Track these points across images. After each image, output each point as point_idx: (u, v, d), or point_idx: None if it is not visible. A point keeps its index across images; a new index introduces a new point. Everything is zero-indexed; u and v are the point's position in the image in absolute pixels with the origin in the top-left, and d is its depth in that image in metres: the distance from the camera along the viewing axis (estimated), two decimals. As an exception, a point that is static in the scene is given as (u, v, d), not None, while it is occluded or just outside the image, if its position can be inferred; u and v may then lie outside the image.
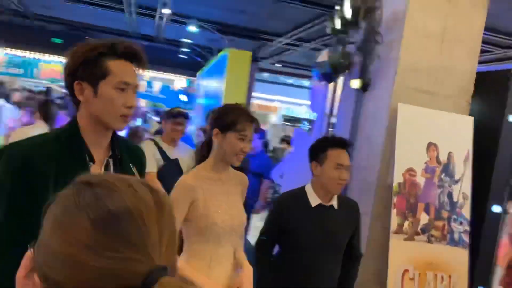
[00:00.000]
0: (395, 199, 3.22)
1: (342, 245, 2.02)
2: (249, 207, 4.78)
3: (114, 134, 1.37)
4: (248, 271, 1.63)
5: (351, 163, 3.66)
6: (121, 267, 0.50)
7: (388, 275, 3.17)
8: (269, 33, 8.10)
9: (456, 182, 3.45)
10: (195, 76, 12.18)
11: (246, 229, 1.99)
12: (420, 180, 3.31)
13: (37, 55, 13.57)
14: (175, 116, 3.52)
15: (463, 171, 3.46)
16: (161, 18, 8.04)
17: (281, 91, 15.17)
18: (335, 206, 2.00)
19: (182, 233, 1.63)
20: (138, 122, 5.40)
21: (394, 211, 3.23)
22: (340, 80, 4.10)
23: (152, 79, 13.68)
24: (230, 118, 1.66)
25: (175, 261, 0.57)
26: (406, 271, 3.23)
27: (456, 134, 3.48)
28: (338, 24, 3.37)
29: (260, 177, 4.69)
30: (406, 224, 3.27)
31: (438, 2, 3.40)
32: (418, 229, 3.29)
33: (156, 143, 3.24)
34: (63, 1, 8.17)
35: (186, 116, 3.65)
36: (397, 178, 3.25)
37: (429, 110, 3.40)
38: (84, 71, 1.24)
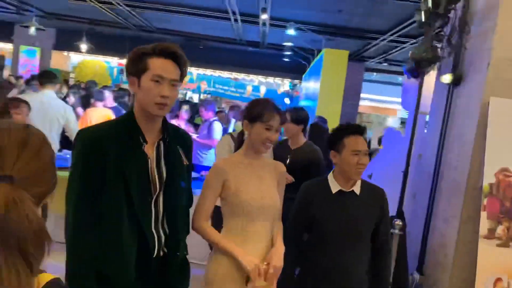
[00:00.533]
0: (485, 201, 2.99)
1: (363, 232, 1.98)
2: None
3: (165, 121, 1.64)
4: (279, 248, 1.74)
5: (443, 164, 3.49)
6: None
7: (476, 284, 2.95)
8: (371, 31, 7.89)
9: None
10: (300, 78, 12.37)
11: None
12: (518, 181, 3.01)
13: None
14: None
15: None
16: (264, 24, 8.40)
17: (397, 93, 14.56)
18: (357, 192, 1.99)
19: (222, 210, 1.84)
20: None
21: (484, 214, 2.99)
22: (433, 75, 3.92)
23: (260, 84, 14.27)
24: (257, 110, 1.83)
25: (30, 177, 0.78)
26: (498, 280, 2.96)
27: None
28: (423, 16, 3.24)
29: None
30: (499, 229, 3.00)
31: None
32: (515, 236, 3.00)
33: (232, 137, 3.39)
34: (178, 14, 9.05)
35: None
36: (488, 178, 3.00)
37: (530, 104, 3.07)
38: (132, 67, 1.54)
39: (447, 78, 3.49)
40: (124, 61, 14.08)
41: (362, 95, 13.34)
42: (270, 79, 14.02)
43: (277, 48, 10.99)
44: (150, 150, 1.56)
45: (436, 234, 3.53)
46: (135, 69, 1.53)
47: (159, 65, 1.51)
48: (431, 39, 3.26)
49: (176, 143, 1.66)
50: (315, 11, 7.11)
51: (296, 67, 11.86)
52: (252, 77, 14.12)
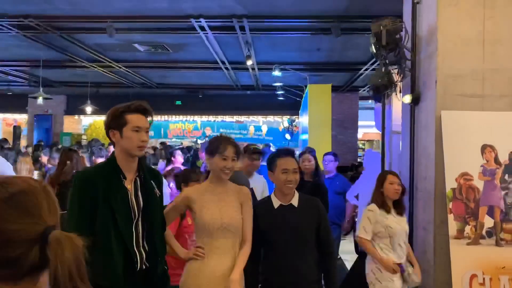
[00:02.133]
0: (450, 205, 3.27)
1: (306, 239, 2.26)
2: (335, 225, 5.06)
3: (140, 162, 2.06)
4: (236, 274, 2.08)
5: (415, 176, 3.78)
6: (27, 228, 0.84)
7: (453, 281, 3.18)
8: (353, 63, 8.40)
9: (523, 181, 3.34)
10: (298, 114, 12.85)
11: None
12: (478, 183, 3.30)
13: (164, 118, 15.86)
14: (251, 153, 4.13)
15: (530, 169, 3.33)
16: (253, 69, 8.99)
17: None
18: (295, 204, 2.29)
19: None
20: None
21: (451, 217, 3.27)
22: (396, 97, 4.29)
23: (259, 122, 14.80)
24: (214, 145, 2.22)
25: (58, 223, 0.93)
26: (474, 276, 3.19)
27: (517, 133, 3.39)
28: (373, 48, 3.67)
29: (344, 196, 4.99)
30: (467, 228, 3.26)
31: (471, 9, 3.48)
32: (483, 233, 3.25)
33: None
34: (174, 70, 9.72)
35: (260, 153, 4.23)
36: (450, 184, 3.30)
37: (479, 113, 3.41)
38: (114, 123, 1.98)
39: (407, 98, 3.87)
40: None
41: (367, 122, 13.67)
42: (270, 118, 14.56)
43: (271, 89, 11.58)
44: (129, 185, 1.99)
45: (419, 242, 3.77)
46: (116, 124, 1.98)
47: (136, 119, 1.97)
48: (383, 67, 3.67)
49: (150, 178, 2.08)
50: (295, 52, 7.67)
51: (292, 104, 12.39)
52: (252, 118, 14.69)
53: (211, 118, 15.32)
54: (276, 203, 2.30)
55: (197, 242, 2.19)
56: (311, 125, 6.96)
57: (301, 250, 2.23)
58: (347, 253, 5.62)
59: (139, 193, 2.00)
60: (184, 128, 15.49)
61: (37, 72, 9.93)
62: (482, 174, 3.32)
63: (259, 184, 4.04)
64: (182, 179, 3.02)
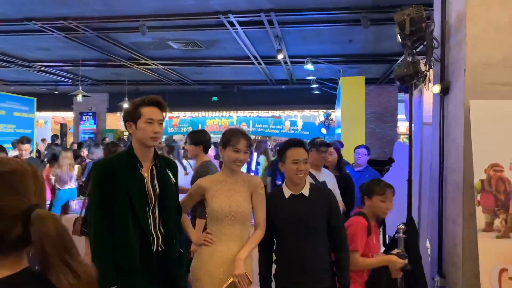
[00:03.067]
0: (478, 197, 3.16)
1: (316, 228, 2.27)
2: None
3: (156, 152, 2.17)
4: (240, 256, 2.16)
5: (445, 168, 3.69)
6: (12, 204, 0.90)
7: (481, 276, 3.08)
8: (386, 55, 8.20)
9: (559, 174, 3.17)
10: (334, 108, 12.72)
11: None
12: (509, 175, 3.17)
13: (201, 114, 16.16)
14: (319, 146, 3.99)
15: None
16: (285, 63, 8.98)
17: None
18: (306, 194, 2.31)
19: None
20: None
21: (479, 209, 3.16)
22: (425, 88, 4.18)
23: (295, 117, 14.77)
24: (226, 137, 2.30)
25: (44, 204, 0.99)
26: (503, 270, 3.07)
27: (553, 122, 3.23)
28: (398, 38, 3.61)
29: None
30: (497, 221, 3.14)
31: (502, -8, 3.34)
32: (514, 226, 3.13)
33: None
34: (208, 66, 9.89)
35: (328, 145, 4.06)
36: (479, 175, 3.19)
37: (509, 101, 3.27)
38: (129, 116, 2.12)
39: (436, 88, 3.77)
40: (168, 114, 15.22)
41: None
42: (306, 112, 14.48)
43: (305, 83, 11.51)
44: (145, 173, 2.13)
45: (448, 235, 3.68)
46: (132, 117, 2.13)
47: (149, 112, 2.10)
48: (409, 56, 3.59)
49: (165, 167, 2.21)
50: (327, 44, 7.59)
51: (328, 98, 12.27)
52: (287, 112, 14.68)
53: (247, 113, 15.44)
54: (287, 193, 2.34)
55: (208, 229, 2.27)
56: (344, 118, 6.87)
57: (311, 239, 2.26)
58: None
59: (156, 181, 2.13)
60: (220, 124, 15.71)
61: (78, 71, 10.42)
62: (513, 165, 3.19)
63: (329, 179, 3.93)
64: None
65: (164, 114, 2.16)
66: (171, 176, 2.21)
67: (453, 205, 3.63)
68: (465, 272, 3.35)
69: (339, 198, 3.67)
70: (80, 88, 9.39)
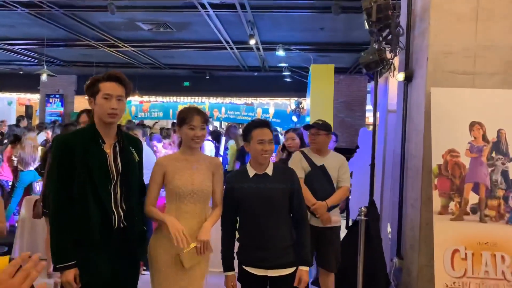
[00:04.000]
0: (435, 181, 3.29)
1: (279, 205, 2.33)
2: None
3: (119, 129, 2.15)
4: (206, 225, 2.21)
5: (406, 153, 3.80)
6: None
7: (435, 256, 3.22)
8: (358, 44, 8.31)
9: None
10: (305, 96, 12.81)
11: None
12: (465, 160, 3.30)
13: (173, 99, 15.96)
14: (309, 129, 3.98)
15: (519, 147, 3.32)
16: (258, 49, 8.96)
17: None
18: (270, 173, 2.36)
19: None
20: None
21: (436, 193, 3.29)
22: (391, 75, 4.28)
23: (268, 104, 14.81)
24: (181, 115, 2.31)
25: None
26: (456, 251, 3.22)
27: (508, 110, 3.37)
28: (366, 25, 3.66)
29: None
30: (451, 204, 3.28)
31: (465, -16, 3.44)
32: (467, 209, 3.27)
33: (303, 153, 3.72)
34: (179, 49, 9.76)
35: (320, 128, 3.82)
36: (436, 160, 3.31)
37: (468, 90, 3.39)
38: (89, 91, 2.09)
39: (400, 76, 3.87)
40: (139, 99, 14.82)
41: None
42: (278, 100, 14.54)
43: (278, 70, 11.53)
44: (108, 149, 2.10)
45: (407, 219, 3.82)
46: (91, 92, 2.09)
47: (107, 87, 2.06)
48: (375, 43, 3.66)
49: (129, 144, 2.19)
50: (299, 32, 7.63)
51: (299, 86, 12.34)
52: (260, 100, 14.70)
53: (219, 100, 15.36)
54: (251, 172, 2.37)
55: (167, 207, 2.27)
56: (313, 106, 6.95)
57: (274, 216, 2.31)
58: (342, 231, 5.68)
59: (118, 158, 2.11)
60: (191, 109, 15.53)
61: (43, 51, 10.08)
62: (469, 151, 3.32)
63: (334, 161, 3.78)
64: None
65: (124, 90, 2.11)
66: (134, 153, 2.19)
67: (412, 189, 3.76)
68: (421, 253, 3.50)
69: (344, 180, 3.65)
70: (46, 67, 9.07)
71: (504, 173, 3.28)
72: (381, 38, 3.69)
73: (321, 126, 3.77)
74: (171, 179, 2.25)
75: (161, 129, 10.30)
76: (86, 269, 2.01)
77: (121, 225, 2.09)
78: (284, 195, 2.34)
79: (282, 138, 13.13)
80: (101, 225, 2.03)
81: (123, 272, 2.12)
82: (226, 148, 6.27)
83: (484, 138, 3.34)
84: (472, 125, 3.36)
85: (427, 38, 3.50)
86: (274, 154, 5.56)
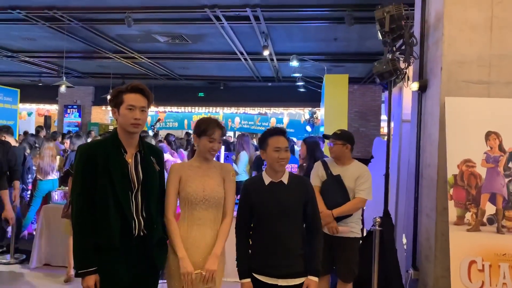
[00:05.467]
0: (451, 191, 3.26)
1: (293, 214, 2.33)
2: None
3: (141, 139, 2.23)
4: (215, 251, 2.24)
5: (421, 163, 3.77)
6: None
7: (451, 267, 3.17)
8: (371, 54, 8.31)
9: (529, 169, 3.29)
10: (319, 106, 12.83)
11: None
12: (481, 170, 3.27)
13: (188, 109, 16.13)
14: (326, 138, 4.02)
15: (537, 157, 3.28)
16: (271, 60, 9.03)
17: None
18: (285, 182, 2.36)
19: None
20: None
21: (451, 203, 3.26)
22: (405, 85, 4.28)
23: (282, 114, 14.86)
24: (202, 127, 2.34)
25: None
26: (472, 262, 3.17)
27: (524, 120, 3.33)
28: (379, 35, 3.68)
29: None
30: (468, 215, 3.24)
31: (479, -7, 3.43)
32: (484, 220, 3.23)
33: (324, 162, 3.76)
34: (194, 61, 9.90)
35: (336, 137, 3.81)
36: (452, 170, 3.29)
37: (483, 99, 3.37)
38: (113, 102, 2.17)
39: (414, 85, 3.86)
40: (155, 109, 14.99)
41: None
42: (292, 110, 14.57)
43: (291, 80, 11.58)
44: (129, 159, 2.17)
45: (422, 229, 3.78)
46: (114, 103, 2.17)
47: (130, 98, 2.14)
48: (389, 53, 3.67)
49: (150, 154, 2.26)
50: (313, 42, 7.67)
51: (313, 96, 12.36)
52: (274, 110, 14.75)
53: (234, 110, 15.47)
54: (267, 180, 2.39)
55: (181, 214, 2.30)
56: (327, 116, 6.95)
57: (288, 224, 2.32)
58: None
59: (139, 167, 2.17)
60: (206, 119, 15.66)
61: (62, 63, 10.33)
62: (485, 161, 3.28)
63: (354, 172, 3.72)
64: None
65: (147, 101, 2.18)
66: (155, 163, 2.25)
67: (427, 199, 3.73)
68: (436, 264, 3.45)
69: (361, 191, 3.56)
70: (64, 79, 9.29)
71: (522, 184, 3.24)
72: (394, 48, 3.70)
73: (337, 136, 3.79)
74: (183, 186, 2.29)
75: (177, 138, 10.38)
76: (106, 276, 2.06)
77: (141, 233, 2.13)
78: (299, 204, 2.35)
79: (296, 148, 13.14)
80: (121, 232, 2.08)
81: (142, 279, 2.17)
82: (227, 156, 6.24)
83: (501, 148, 3.31)
84: (488, 134, 3.34)
85: (441, 48, 3.50)
86: (294, 165, 5.57)
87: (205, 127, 2.33)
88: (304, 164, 4.49)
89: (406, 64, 3.67)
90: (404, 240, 4.39)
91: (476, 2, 3.43)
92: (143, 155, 2.20)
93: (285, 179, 2.37)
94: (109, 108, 16.66)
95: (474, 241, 3.19)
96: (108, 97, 2.21)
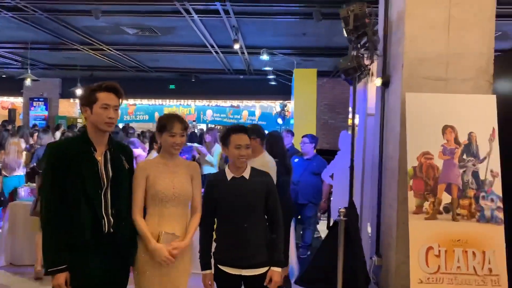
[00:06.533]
0: (411, 182, 3.45)
1: (254, 207, 2.45)
2: (312, 204, 5.25)
3: (110, 137, 2.25)
4: (185, 241, 2.32)
5: (384, 156, 3.94)
6: None
7: (410, 253, 3.37)
8: (340, 48, 8.48)
9: (482, 160, 3.50)
10: (290, 99, 12.98)
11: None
12: (438, 162, 3.47)
13: (159, 102, 15.97)
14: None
15: (489, 149, 3.49)
16: (242, 53, 9.07)
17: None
18: (247, 177, 2.48)
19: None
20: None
21: (411, 193, 3.44)
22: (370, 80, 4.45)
23: (254, 107, 14.96)
24: (162, 122, 2.38)
25: None
26: (430, 248, 3.37)
27: (478, 114, 3.54)
28: (344, 33, 3.81)
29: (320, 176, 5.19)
30: (426, 204, 3.44)
31: (438, -6, 3.60)
32: (440, 209, 3.43)
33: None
34: (165, 53, 9.81)
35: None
36: (412, 162, 3.47)
37: (441, 95, 3.56)
38: (85, 100, 2.18)
39: (378, 81, 4.03)
40: (124, 102, 14.86)
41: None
42: (264, 103, 14.69)
43: (263, 73, 11.67)
44: (99, 157, 2.19)
45: (385, 218, 3.97)
46: (87, 101, 2.18)
47: (105, 97, 2.16)
48: (353, 50, 3.80)
49: (120, 152, 2.29)
50: (283, 36, 7.77)
51: (284, 89, 12.51)
52: (246, 102, 14.83)
53: (206, 102, 15.44)
54: (229, 175, 2.48)
55: (148, 211, 2.35)
56: (296, 109, 7.10)
57: (250, 217, 2.42)
58: (325, 231, 5.83)
59: (109, 165, 2.20)
60: (178, 112, 15.59)
61: (27, 54, 10.03)
62: (442, 153, 3.48)
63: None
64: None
65: (120, 100, 2.21)
66: (124, 161, 2.28)
67: (390, 190, 3.91)
68: (398, 251, 3.65)
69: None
70: (30, 71, 9.02)
71: (475, 174, 3.45)
72: (359, 45, 3.84)
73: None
74: (152, 183, 2.32)
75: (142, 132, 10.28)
76: (76, 273, 2.09)
77: (111, 230, 2.17)
78: (260, 197, 2.45)
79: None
80: (92, 229, 2.11)
81: (113, 275, 2.20)
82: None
83: (456, 141, 3.51)
84: (444, 128, 3.53)
85: (403, 45, 3.66)
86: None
87: (165, 122, 2.37)
88: None
89: (370, 61, 3.82)
90: (369, 229, 4.58)
91: (436, 3, 3.60)
92: (112, 153, 2.23)
93: (246, 174, 2.47)
94: (77, 101, 16.39)
95: (431, 228, 3.39)
96: (78, 91, 2.22)
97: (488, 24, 3.61)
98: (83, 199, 2.09)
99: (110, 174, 2.19)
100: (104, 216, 2.15)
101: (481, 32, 3.60)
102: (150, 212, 2.34)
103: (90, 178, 2.12)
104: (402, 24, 3.67)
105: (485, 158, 3.52)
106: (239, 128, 2.49)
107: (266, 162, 3.79)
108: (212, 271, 2.48)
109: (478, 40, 3.60)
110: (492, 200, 3.45)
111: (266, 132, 12.19)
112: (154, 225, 2.33)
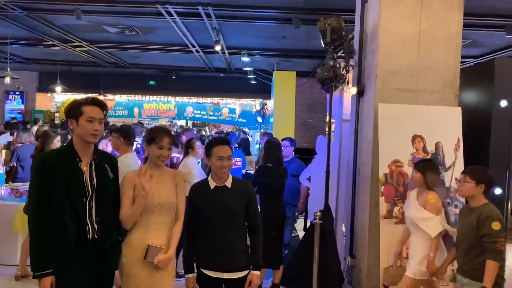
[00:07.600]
0: (382, 188, 3.66)
1: (236, 214, 2.59)
2: (290, 206, 5.42)
3: (96, 148, 2.36)
4: (168, 254, 2.44)
5: (358, 162, 4.12)
6: None
7: (381, 255, 3.59)
8: (319, 51, 8.67)
9: (447, 169, 3.74)
10: (269, 98, 13.13)
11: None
12: (408, 170, 3.68)
13: (138, 97, 15.85)
14: None
15: (454, 158, 3.74)
16: (223, 53, 9.16)
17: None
18: (229, 186, 2.62)
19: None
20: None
21: (382, 199, 3.66)
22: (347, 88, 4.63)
23: (234, 105, 15.05)
24: (151, 135, 2.51)
25: None
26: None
27: (445, 125, 3.77)
28: (322, 43, 3.97)
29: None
30: (396, 209, 3.66)
31: (410, 10, 3.80)
32: (409, 214, 3.65)
33: None
34: (146, 51, 9.81)
35: None
36: (383, 169, 3.68)
37: (411, 106, 3.78)
38: (71, 113, 2.28)
39: (353, 90, 4.21)
40: (102, 97, 14.69)
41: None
42: (244, 101, 14.81)
43: (243, 72, 11.78)
44: (84, 167, 2.30)
45: (358, 221, 4.17)
46: (74, 114, 2.28)
47: (90, 111, 2.27)
48: (330, 60, 3.97)
49: (104, 162, 2.40)
50: (263, 39, 7.91)
51: (264, 88, 12.66)
52: (226, 100, 14.91)
53: (186, 99, 15.44)
54: (212, 184, 2.61)
55: (137, 220, 2.47)
56: (276, 109, 7.26)
57: (231, 224, 2.56)
58: (302, 230, 6.04)
59: (94, 175, 2.31)
60: (158, 108, 15.55)
61: (6, 49, 9.86)
62: (411, 161, 3.69)
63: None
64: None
65: (104, 113, 2.34)
66: (109, 170, 2.39)
67: (363, 194, 4.12)
68: (369, 252, 3.86)
69: None
70: (8, 65, 8.85)
71: (441, 182, 3.68)
72: (336, 56, 4.01)
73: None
74: (139, 193, 2.42)
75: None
76: (62, 277, 2.21)
77: (95, 236, 2.29)
78: (241, 206, 2.60)
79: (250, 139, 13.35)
80: (76, 236, 2.23)
81: (97, 280, 2.33)
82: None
83: (424, 150, 3.74)
84: (414, 138, 3.76)
85: (376, 57, 3.85)
86: (238, 159, 5.80)
87: (154, 134, 2.49)
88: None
89: (345, 72, 4.00)
90: (344, 230, 4.79)
91: (407, 17, 3.80)
92: (97, 163, 2.35)
93: (228, 183, 2.60)
94: (54, 95, 16.17)
95: (400, 232, 3.60)
96: (66, 107, 2.33)
97: (455, 39, 3.83)
98: (69, 207, 2.21)
99: (95, 183, 2.31)
100: (89, 223, 2.27)
101: (448, 46, 3.82)
102: (137, 221, 2.45)
103: (75, 187, 2.23)
104: (376, 37, 3.86)
105: (450, 166, 3.77)
106: (222, 140, 2.63)
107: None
108: (195, 274, 2.62)
109: (446, 54, 3.83)
110: (456, 206, 3.69)
111: (245, 129, 12.26)
112: (141, 233, 2.44)
